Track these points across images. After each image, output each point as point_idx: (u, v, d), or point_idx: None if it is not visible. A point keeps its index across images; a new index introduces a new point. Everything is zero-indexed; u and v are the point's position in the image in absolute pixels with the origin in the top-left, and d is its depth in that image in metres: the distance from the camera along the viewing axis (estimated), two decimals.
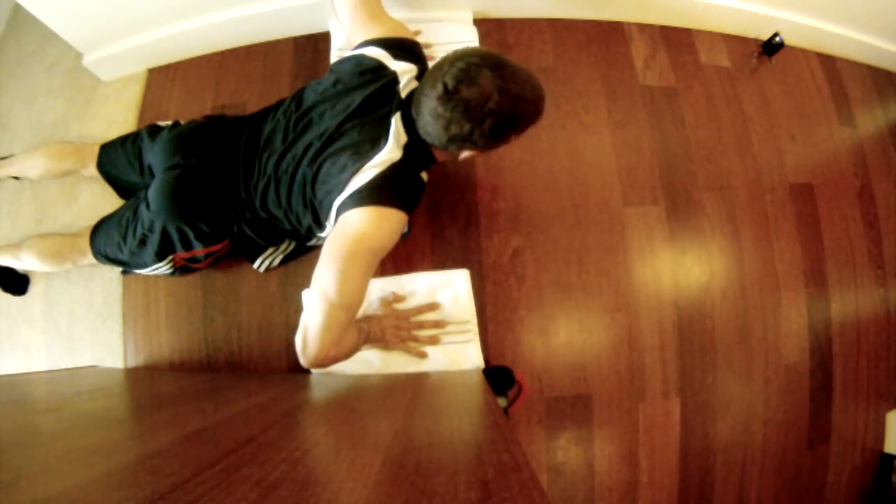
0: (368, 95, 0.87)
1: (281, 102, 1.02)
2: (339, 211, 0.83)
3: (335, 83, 0.91)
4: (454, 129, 0.77)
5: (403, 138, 0.85)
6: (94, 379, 0.97)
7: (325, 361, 0.81)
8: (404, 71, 0.89)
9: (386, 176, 0.82)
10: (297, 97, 0.97)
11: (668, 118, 1.35)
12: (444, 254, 1.18)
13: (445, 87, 0.74)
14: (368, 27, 0.96)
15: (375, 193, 0.81)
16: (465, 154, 0.85)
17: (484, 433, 0.53)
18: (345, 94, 0.89)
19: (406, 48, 0.94)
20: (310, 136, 0.89)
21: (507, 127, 0.78)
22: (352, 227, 0.80)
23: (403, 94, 0.87)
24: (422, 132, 0.83)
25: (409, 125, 0.85)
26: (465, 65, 0.74)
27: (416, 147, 0.86)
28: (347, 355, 0.87)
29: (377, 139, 0.84)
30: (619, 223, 1.25)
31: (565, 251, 1.21)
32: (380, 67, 0.90)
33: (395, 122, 0.85)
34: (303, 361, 0.81)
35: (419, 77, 0.91)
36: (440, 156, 0.91)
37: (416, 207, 0.89)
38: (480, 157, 0.91)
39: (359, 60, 0.92)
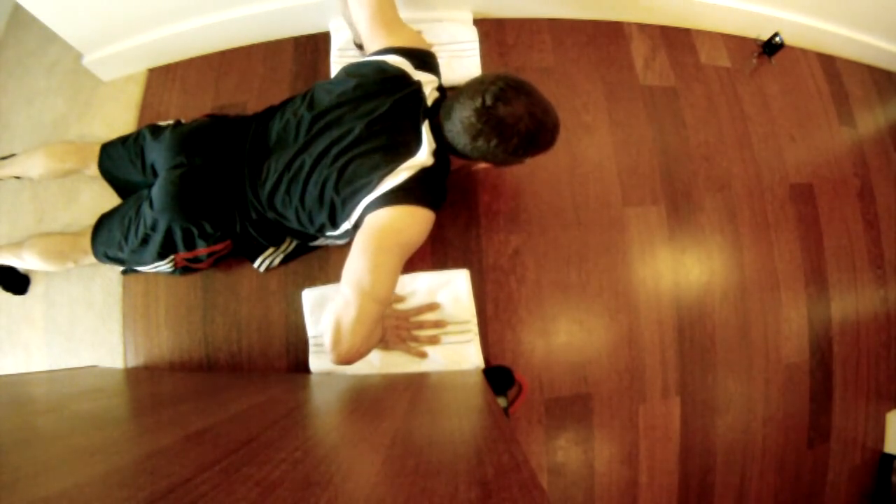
0: (395, 101, 0.89)
1: (288, 102, 1.02)
2: (368, 209, 0.85)
3: (356, 87, 0.92)
4: (481, 141, 0.83)
5: (433, 145, 0.88)
6: (94, 379, 0.97)
7: (355, 356, 0.82)
8: (427, 81, 0.93)
9: (418, 178, 0.86)
10: (309, 98, 0.97)
11: (668, 118, 1.35)
12: (444, 254, 1.18)
13: (484, 101, 0.80)
14: (387, 34, 0.98)
15: (409, 194, 0.84)
16: (480, 165, 0.92)
17: (484, 433, 0.53)
18: (367, 98, 0.91)
19: (425, 59, 0.97)
20: (330, 136, 0.90)
21: (527, 148, 0.85)
22: (385, 224, 0.83)
23: (429, 104, 0.91)
24: (448, 135, 0.87)
25: (437, 133, 0.88)
26: (505, 86, 0.81)
27: (442, 154, 0.90)
28: (370, 352, 0.88)
29: (410, 144, 0.87)
30: (620, 223, 1.25)
31: (565, 251, 1.21)
32: (403, 76, 0.92)
33: (426, 130, 0.88)
34: (332, 357, 0.81)
35: (439, 88, 0.96)
36: (456, 163, 0.94)
37: (441, 208, 0.92)
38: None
39: (380, 67, 0.93)
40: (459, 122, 0.83)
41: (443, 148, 0.89)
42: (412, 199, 0.84)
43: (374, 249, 0.81)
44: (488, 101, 0.80)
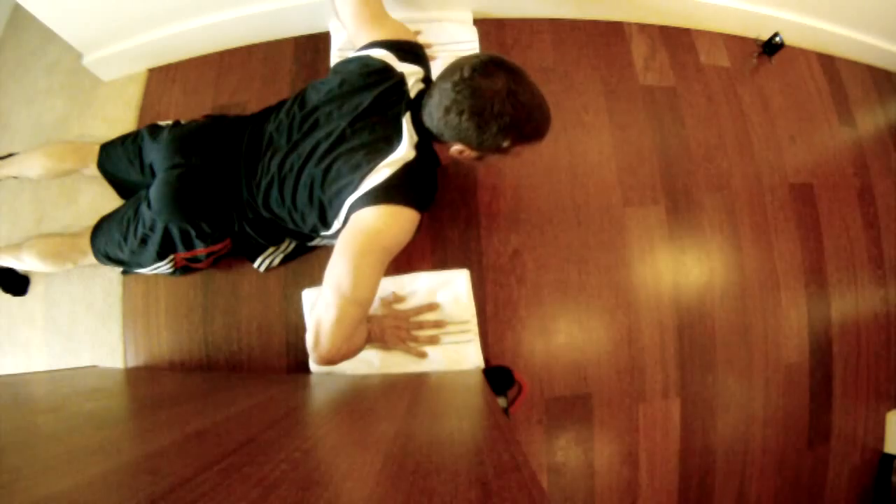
0: (377, 96, 0.88)
1: (283, 102, 1.02)
2: (352, 209, 0.84)
3: (341, 84, 0.92)
4: (452, 115, 0.79)
5: (415, 138, 0.86)
6: (94, 379, 0.97)
7: (335, 358, 0.81)
8: (411, 73, 0.91)
9: (400, 175, 0.83)
10: (300, 97, 0.97)
11: (668, 118, 1.35)
12: (444, 254, 1.18)
13: (462, 73, 0.78)
14: (372, 29, 0.97)
15: (390, 192, 0.82)
16: (455, 147, 0.85)
17: (484, 433, 0.53)
18: (351, 94, 0.90)
19: (410, 51, 0.95)
20: (317, 135, 0.90)
21: (504, 130, 0.79)
22: (366, 225, 0.81)
23: (412, 95, 0.89)
24: (425, 116, 0.84)
25: (419, 125, 0.86)
26: (487, 59, 0.78)
27: (426, 147, 0.87)
28: (356, 353, 0.88)
29: (390, 138, 0.85)
30: (620, 223, 1.25)
31: (565, 251, 1.21)
32: (386, 69, 0.91)
33: (406, 122, 0.86)
34: (313, 358, 0.81)
35: (425, 80, 0.94)
36: (442, 152, 0.91)
37: (429, 208, 0.90)
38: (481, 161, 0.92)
39: (364, 62, 0.93)
40: (437, 94, 0.81)
41: (425, 140, 0.87)
42: (394, 198, 0.82)
43: (354, 252, 0.79)
44: (466, 73, 0.77)
